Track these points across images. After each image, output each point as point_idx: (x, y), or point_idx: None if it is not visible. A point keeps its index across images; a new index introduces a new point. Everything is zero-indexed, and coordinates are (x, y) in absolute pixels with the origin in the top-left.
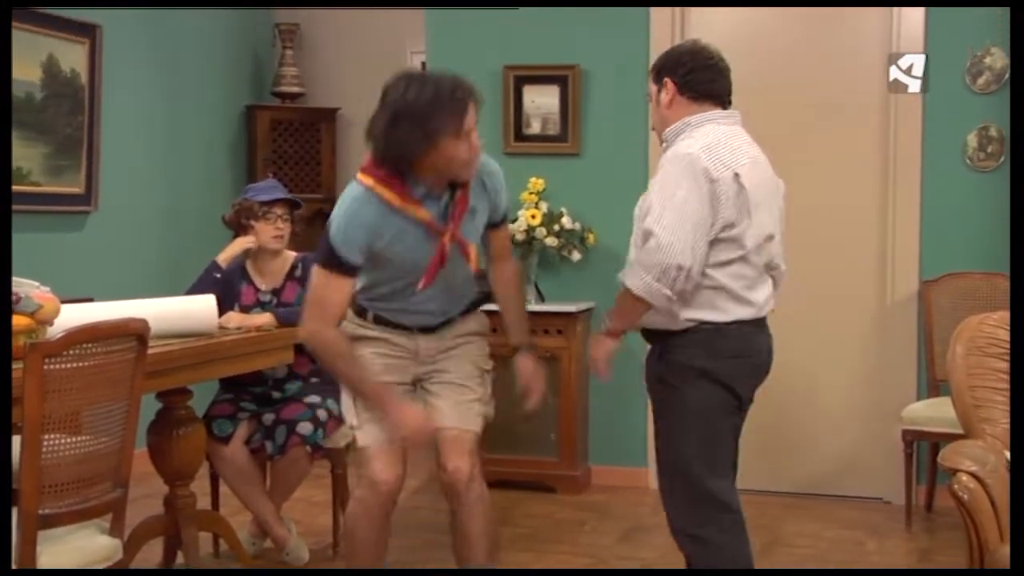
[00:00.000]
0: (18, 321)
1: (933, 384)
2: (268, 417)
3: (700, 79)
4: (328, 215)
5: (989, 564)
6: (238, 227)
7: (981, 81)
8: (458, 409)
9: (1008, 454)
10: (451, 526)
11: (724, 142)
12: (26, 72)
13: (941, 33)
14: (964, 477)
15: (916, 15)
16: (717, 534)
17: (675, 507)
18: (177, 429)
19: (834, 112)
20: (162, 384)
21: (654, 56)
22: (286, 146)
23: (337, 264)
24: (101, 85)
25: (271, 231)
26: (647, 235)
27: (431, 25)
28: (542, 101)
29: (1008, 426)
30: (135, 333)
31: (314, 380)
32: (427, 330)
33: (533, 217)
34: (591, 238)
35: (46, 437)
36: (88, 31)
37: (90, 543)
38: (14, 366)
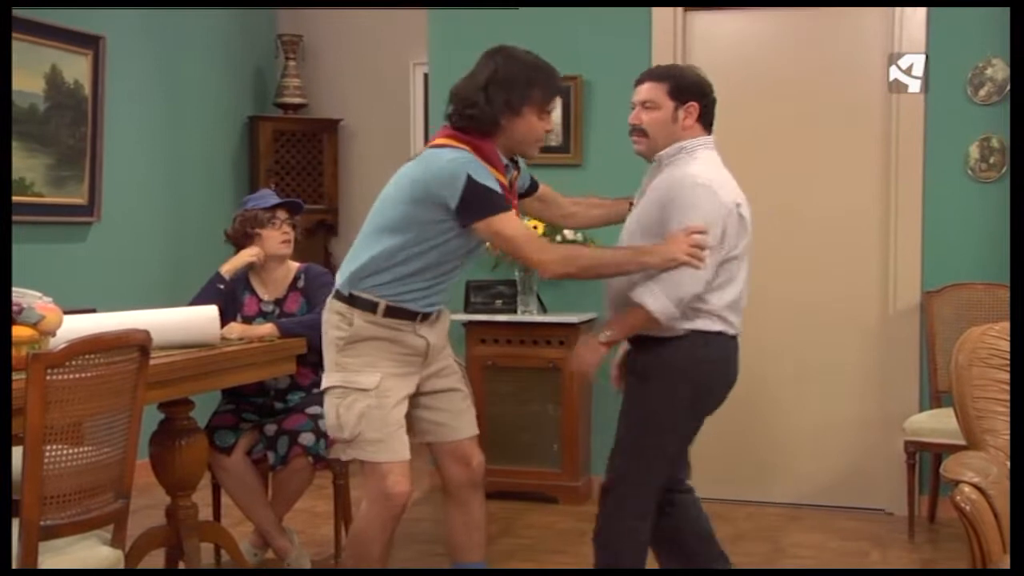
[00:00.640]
0: (20, 332)
1: (935, 395)
2: (270, 428)
3: (712, 111)
4: (330, 226)
5: None
6: (243, 238)
7: (983, 92)
8: (461, 419)
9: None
10: (455, 521)
11: (722, 170)
12: (29, 83)
13: (942, 44)
14: (967, 488)
15: (917, 26)
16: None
17: (629, 494)
18: (179, 440)
19: (835, 123)
20: (164, 395)
21: (656, 65)
22: (288, 157)
23: (501, 201)
24: (104, 96)
25: (279, 237)
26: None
27: (434, 36)
28: None
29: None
30: (137, 344)
31: (316, 391)
32: (425, 318)
33: (535, 228)
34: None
35: (48, 448)
36: (91, 42)
37: (92, 554)
38: (16, 377)
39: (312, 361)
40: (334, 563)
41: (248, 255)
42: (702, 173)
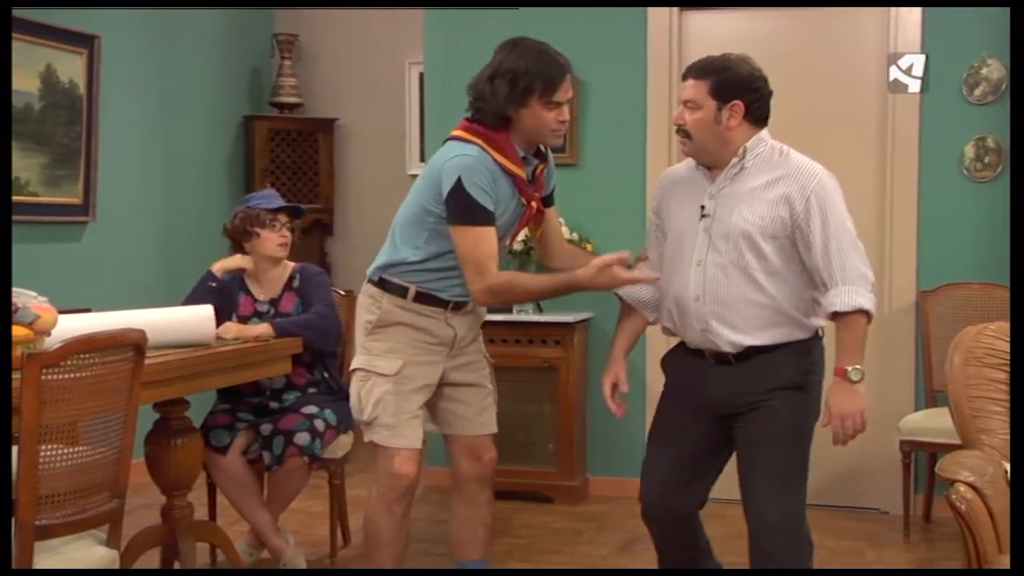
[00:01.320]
0: (16, 331)
1: (931, 394)
2: (266, 427)
3: (764, 107)
4: (326, 225)
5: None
6: (242, 235)
7: (978, 92)
8: (482, 416)
9: (1006, 464)
10: (460, 515)
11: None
12: (24, 82)
13: (938, 44)
14: (962, 487)
15: (913, 26)
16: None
17: (797, 511)
18: (174, 439)
19: (831, 123)
20: (159, 394)
21: (652, 67)
22: (284, 156)
23: (480, 215)
24: (99, 95)
25: (276, 239)
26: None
27: (430, 36)
28: None
29: (1006, 436)
30: (132, 343)
31: (311, 391)
32: (458, 307)
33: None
34: (589, 249)
35: (43, 447)
36: (87, 41)
37: (87, 554)
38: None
39: (307, 361)
40: (329, 563)
41: (239, 262)
42: (820, 168)
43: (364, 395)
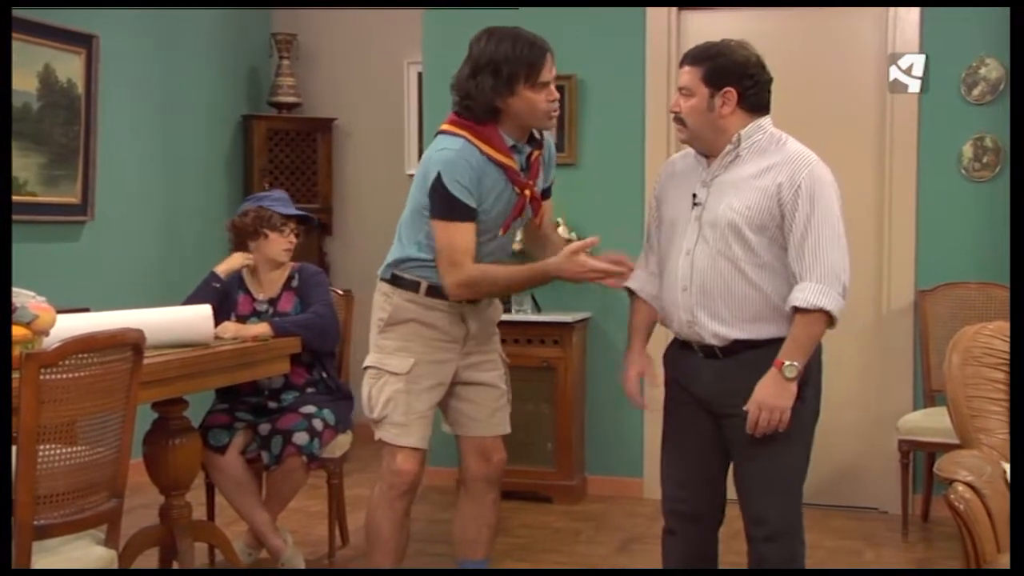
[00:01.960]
0: (14, 331)
1: (929, 394)
2: (264, 427)
3: (760, 94)
4: (324, 225)
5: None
6: (250, 234)
7: (976, 92)
8: (494, 417)
9: (1005, 464)
10: (466, 514)
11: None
12: (23, 82)
13: (936, 44)
14: (960, 487)
15: (911, 26)
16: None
17: (796, 508)
18: (173, 439)
19: (829, 123)
20: (158, 394)
21: (651, 66)
22: (282, 156)
23: (458, 210)
24: (98, 95)
25: (283, 243)
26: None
27: (428, 36)
28: None
29: (1005, 436)
30: (131, 343)
31: (310, 390)
32: (474, 301)
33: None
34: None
35: (41, 447)
36: (85, 41)
37: (85, 554)
38: None
39: (306, 361)
40: (328, 563)
41: (240, 260)
42: (815, 158)
43: (375, 393)
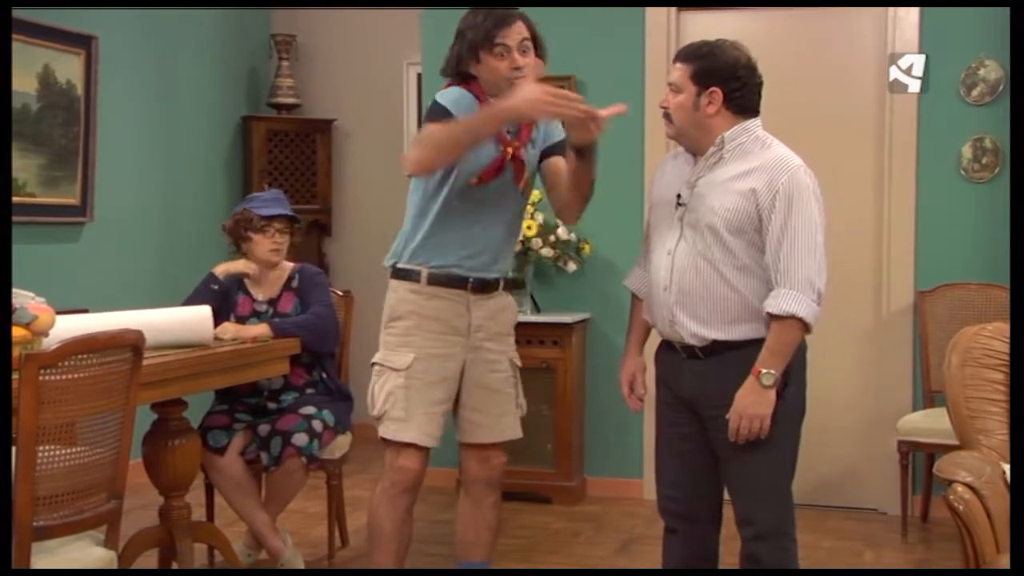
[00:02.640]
0: (14, 332)
1: (928, 395)
2: (263, 428)
3: (748, 96)
4: (324, 226)
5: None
6: (237, 236)
7: (975, 92)
8: (500, 423)
9: (1004, 465)
10: (466, 517)
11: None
12: (22, 83)
13: (935, 45)
14: (960, 488)
15: (911, 27)
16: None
17: (785, 508)
18: (172, 440)
19: (829, 124)
20: (157, 395)
21: (650, 67)
22: (282, 157)
23: (442, 114)
24: (97, 96)
25: (268, 244)
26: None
27: (427, 36)
28: None
29: (1004, 437)
30: (130, 344)
31: (310, 391)
32: (480, 288)
33: (529, 228)
34: (587, 249)
35: (41, 448)
36: (84, 42)
37: (84, 555)
38: None
39: (305, 362)
40: (327, 564)
41: (243, 267)
42: (796, 161)
43: (377, 390)
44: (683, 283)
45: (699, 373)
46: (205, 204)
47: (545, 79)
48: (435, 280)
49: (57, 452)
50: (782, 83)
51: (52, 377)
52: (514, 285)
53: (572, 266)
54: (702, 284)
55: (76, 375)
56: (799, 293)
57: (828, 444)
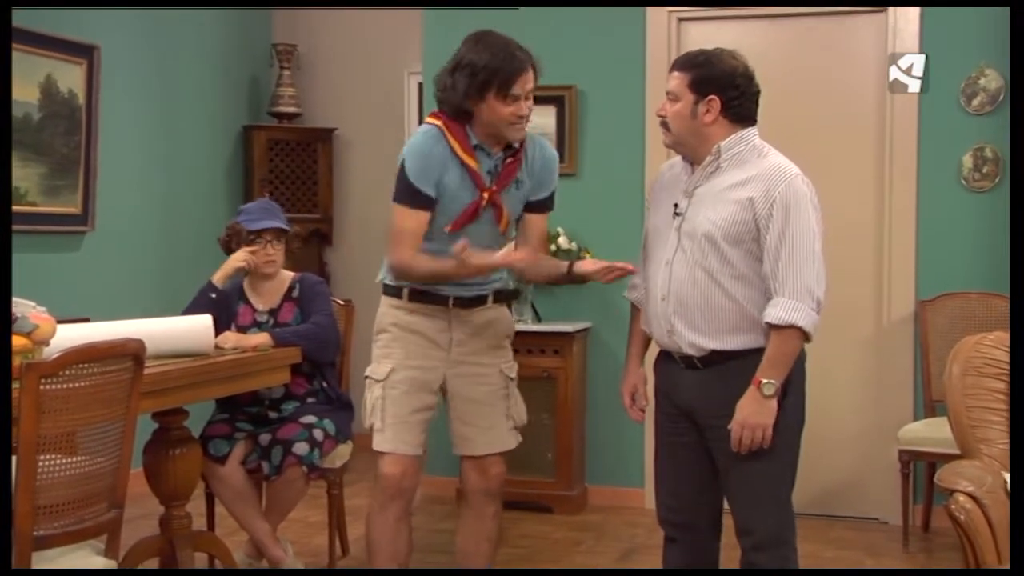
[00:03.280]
0: (14, 341)
1: (929, 404)
2: (264, 437)
3: (746, 105)
4: (324, 235)
5: None
6: (230, 251)
7: (976, 102)
8: (489, 435)
9: (1006, 474)
10: (466, 527)
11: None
12: (24, 92)
13: (935, 54)
14: (961, 497)
15: (911, 36)
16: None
17: (785, 517)
18: (173, 449)
19: (829, 133)
20: (158, 404)
21: (651, 76)
22: (283, 166)
23: (414, 196)
24: (98, 105)
25: (261, 256)
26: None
27: (428, 46)
28: (539, 121)
29: (1005, 446)
30: (131, 353)
31: (310, 400)
32: (463, 304)
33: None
34: (588, 258)
35: (41, 457)
36: (86, 51)
37: (85, 564)
38: None
39: (306, 371)
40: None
41: (237, 260)
42: (795, 170)
43: (365, 402)
44: (681, 293)
45: (697, 383)
46: (206, 213)
47: (544, 87)
48: (416, 297)
49: (58, 461)
50: (782, 92)
51: (53, 386)
52: (507, 297)
53: None
54: (700, 294)
55: (77, 384)
56: (798, 302)
57: (829, 453)
